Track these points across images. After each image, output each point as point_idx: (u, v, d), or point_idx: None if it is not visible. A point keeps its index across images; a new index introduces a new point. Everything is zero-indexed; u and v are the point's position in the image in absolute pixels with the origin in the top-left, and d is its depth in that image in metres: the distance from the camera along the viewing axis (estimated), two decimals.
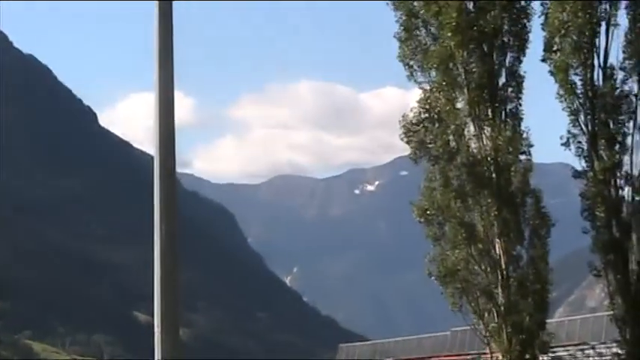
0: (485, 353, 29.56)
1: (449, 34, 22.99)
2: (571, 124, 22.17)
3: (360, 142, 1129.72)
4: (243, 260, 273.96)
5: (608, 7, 22.37)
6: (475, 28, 23.41)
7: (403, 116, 23.77)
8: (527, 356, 23.44)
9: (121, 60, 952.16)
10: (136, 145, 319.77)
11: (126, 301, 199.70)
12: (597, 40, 22.22)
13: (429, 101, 23.81)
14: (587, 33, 22.11)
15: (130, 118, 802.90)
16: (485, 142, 23.38)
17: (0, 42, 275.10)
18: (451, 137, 23.68)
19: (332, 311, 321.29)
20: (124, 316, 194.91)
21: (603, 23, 22.42)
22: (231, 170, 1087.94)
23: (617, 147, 22.35)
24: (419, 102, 23.94)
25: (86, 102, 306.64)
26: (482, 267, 23.67)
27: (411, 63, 24.07)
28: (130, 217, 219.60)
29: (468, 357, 42.60)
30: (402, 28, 24.33)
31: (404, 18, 24.62)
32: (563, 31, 22.38)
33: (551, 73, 22.36)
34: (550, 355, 30.00)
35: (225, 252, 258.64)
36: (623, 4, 22.60)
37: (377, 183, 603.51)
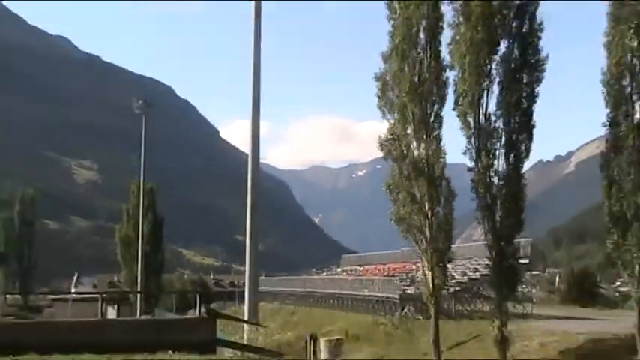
0: (417, 262, 47.55)
1: (404, 94, 37.27)
2: (467, 143, 36.76)
3: (356, 150, 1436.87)
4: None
5: (489, 82, 39.02)
6: (419, 91, 37.54)
7: (379, 137, 38.44)
8: (441, 264, 38.03)
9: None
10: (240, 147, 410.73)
11: (230, 228, 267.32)
12: (482, 99, 37.80)
13: (393, 129, 38.36)
14: (476, 96, 37.84)
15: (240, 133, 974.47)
16: (422, 152, 37.90)
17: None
18: (404, 149, 37.96)
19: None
20: (229, 237, 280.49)
21: (485, 92, 37.00)
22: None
23: (490, 156, 37.64)
24: (388, 129, 38.40)
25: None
26: (418, 217, 38.21)
27: (384, 109, 38.75)
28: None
29: (413, 267, 61.59)
30: (379, 90, 38.80)
31: (380, 88, 39.18)
32: (464, 94, 36.09)
33: (458, 116, 35.79)
34: (453, 263, 47.33)
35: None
36: (496, 82, 38.55)
37: (364, 172, 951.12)
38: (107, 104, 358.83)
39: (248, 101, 39.64)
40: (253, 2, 40.76)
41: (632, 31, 34.28)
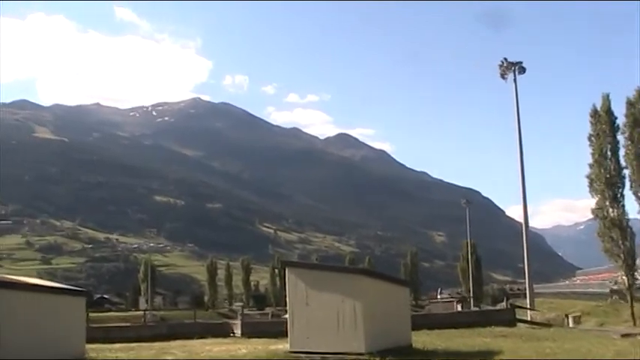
0: (618, 272, 79.22)
1: (602, 184, 54.42)
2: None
3: (577, 215, 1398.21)
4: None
5: None
6: (610, 182, 53.85)
7: (591, 208, 58.13)
8: (631, 272, 53.87)
9: None
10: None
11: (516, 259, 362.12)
12: None
13: (598, 202, 54.09)
14: None
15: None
16: (614, 214, 53.41)
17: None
18: (605, 213, 53.85)
19: None
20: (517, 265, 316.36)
21: None
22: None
23: None
24: (596, 202, 54.18)
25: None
26: (616, 248, 54.84)
27: (592, 192, 54.35)
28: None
29: (615, 274, 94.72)
30: (589, 183, 54.65)
31: (589, 182, 54.60)
32: (636, 181, 53.63)
33: (633, 194, 53.63)
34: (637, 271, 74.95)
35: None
36: None
37: (583, 227, 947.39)
38: (443, 203, 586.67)
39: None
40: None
41: None
